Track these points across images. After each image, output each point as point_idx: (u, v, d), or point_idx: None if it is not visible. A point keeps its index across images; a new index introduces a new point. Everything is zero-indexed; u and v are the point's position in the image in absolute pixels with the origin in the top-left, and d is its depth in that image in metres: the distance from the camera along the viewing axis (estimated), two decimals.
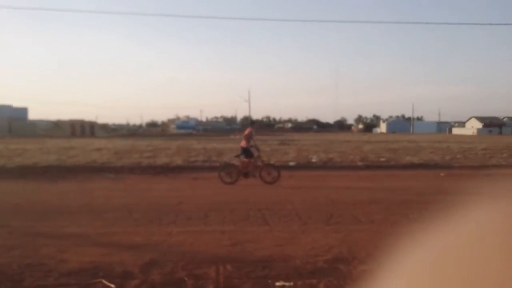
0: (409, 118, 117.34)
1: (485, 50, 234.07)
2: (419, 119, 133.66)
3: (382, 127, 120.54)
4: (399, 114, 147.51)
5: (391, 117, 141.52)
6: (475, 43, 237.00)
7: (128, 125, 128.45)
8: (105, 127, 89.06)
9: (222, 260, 4.75)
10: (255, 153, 11.37)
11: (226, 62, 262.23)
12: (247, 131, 11.48)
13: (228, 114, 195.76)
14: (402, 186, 10.90)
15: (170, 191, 10.21)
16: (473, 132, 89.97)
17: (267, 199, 8.71)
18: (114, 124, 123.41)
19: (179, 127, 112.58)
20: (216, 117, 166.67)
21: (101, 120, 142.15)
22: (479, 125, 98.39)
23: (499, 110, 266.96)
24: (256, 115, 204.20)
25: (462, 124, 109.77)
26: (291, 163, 16.36)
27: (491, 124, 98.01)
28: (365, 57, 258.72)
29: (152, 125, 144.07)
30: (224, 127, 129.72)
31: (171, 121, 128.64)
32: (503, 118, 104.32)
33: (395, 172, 14.73)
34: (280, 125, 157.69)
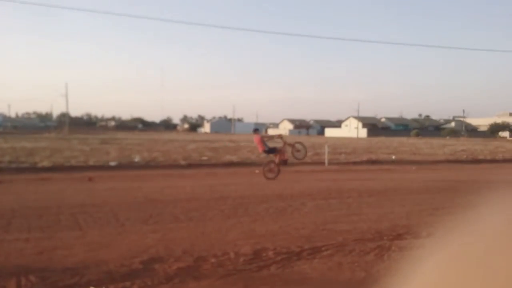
0: (230, 119, 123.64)
1: (295, 59, 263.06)
2: (240, 120, 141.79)
3: (206, 127, 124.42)
4: (222, 115, 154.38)
5: (214, 117, 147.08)
6: (289, 52, 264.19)
7: None
8: None
9: (25, 271, 4.30)
10: (278, 145, 12.85)
11: (41, 53, 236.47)
12: (256, 139, 12.57)
13: (43, 110, 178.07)
14: (221, 183, 11.47)
15: None
16: (285, 133, 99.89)
17: (82, 202, 8.19)
18: None
19: None
20: (28, 113, 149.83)
21: None
22: (291, 126, 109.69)
23: (307, 113, 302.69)
24: (76, 111, 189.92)
25: (276, 125, 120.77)
26: (112, 163, 15.71)
27: (300, 125, 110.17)
28: (191, 58, 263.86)
29: None
30: (37, 124, 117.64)
31: None
32: (310, 121, 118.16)
33: (216, 170, 15.41)
34: (103, 123, 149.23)
